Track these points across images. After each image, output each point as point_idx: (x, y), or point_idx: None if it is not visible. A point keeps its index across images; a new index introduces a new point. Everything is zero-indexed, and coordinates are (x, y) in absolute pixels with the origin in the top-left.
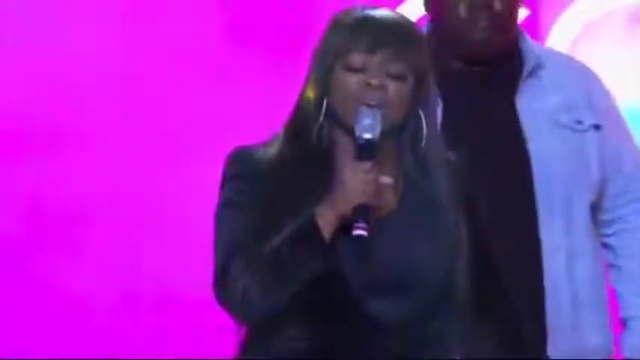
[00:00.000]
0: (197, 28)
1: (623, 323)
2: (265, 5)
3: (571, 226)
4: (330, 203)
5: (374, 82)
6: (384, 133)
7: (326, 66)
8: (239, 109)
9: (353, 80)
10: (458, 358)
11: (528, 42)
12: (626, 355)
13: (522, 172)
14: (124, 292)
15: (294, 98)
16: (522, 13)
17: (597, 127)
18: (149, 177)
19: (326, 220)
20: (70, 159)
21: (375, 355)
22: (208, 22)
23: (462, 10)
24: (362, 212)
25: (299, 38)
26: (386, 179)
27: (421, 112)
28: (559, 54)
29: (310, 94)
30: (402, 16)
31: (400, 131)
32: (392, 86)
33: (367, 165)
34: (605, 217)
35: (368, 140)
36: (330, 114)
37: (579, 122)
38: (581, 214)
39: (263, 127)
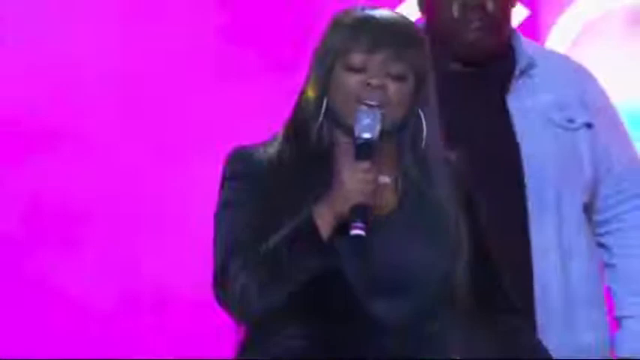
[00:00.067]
0: (197, 28)
1: (618, 322)
2: (265, 5)
3: (563, 225)
4: (328, 202)
5: (374, 82)
6: (384, 134)
7: (326, 66)
8: (239, 109)
9: (353, 80)
10: (458, 358)
11: (522, 41)
12: (620, 354)
13: (513, 171)
14: (123, 292)
15: (294, 98)
16: (522, 13)
17: (589, 125)
18: (149, 177)
19: (324, 220)
20: (70, 159)
21: (375, 354)
22: (208, 22)
23: (455, 11)
24: (360, 212)
25: (299, 38)
26: (385, 179)
27: (421, 112)
28: (553, 53)
29: (310, 94)
30: (402, 16)
31: (400, 131)
32: (392, 86)
33: (366, 164)
34: (599, 217)
35: (367, 140)
36: (330, 114)
37: (571, 120)
38: (574, 212)
39: (263, 127)
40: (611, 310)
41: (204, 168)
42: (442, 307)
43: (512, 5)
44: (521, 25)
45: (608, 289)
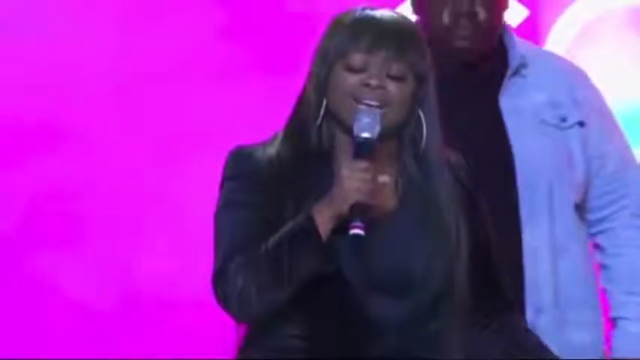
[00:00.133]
0: (197, 28)
1: (613, 323)
2: (266, 5)
3: (555, 223)
4: (327, 202)
5: (373, 82)
6: (384, 134)
7: (326, 66)
8: (239, 109)
9: (353, 80)
10: (458, 358)
11: (514, 41)
12: (616, 354)
13: (505, 170)
14: (123, 292)
15: (294, 98)
16: (522, 13)
17: (582, 123)
18: (149, 177)
19: (323, 219)
20: (70, 159)
21: (375, 354)
22: (208, 22)
23: (446, 18)
24: (359, 211)
25: (299, 38)
26: (384, 178)
27: (421, 113)
28: (546, 52)
29: (310, 93)
30: (403, 17)
31: (400, 131)
32: (392, 86)
33: (364, 164)
34: (591, 216)
35: (366, 139)
36: (330, 114)
37: (564, 119)
38: (566, 211)
39: (263, 127)
40: (607, 310)
41: (204, 168)
42: (442, 307)
43: (505, 8)
44: (521, 25)
45: (603, 290)
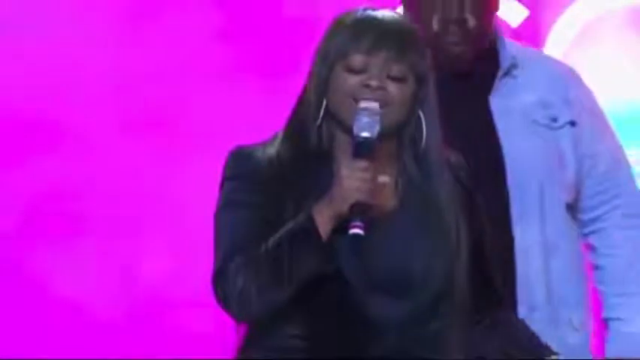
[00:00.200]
0: (197, 28)
1: (605, 324)
2: (264, 7)
3: (546, 223)
4: (327, 202)
5: (374, 83)
6: (384, 134)
7: (327, 66)
8: (239, 110)
9: (353, 81)
10: (458, 358)
11: (505, 42)
12: (608, 355)
13: (497, 171)
14: (123, 292)
15: (294, 98)
16: (522, 13)
17: (573, 123)
18: (149, 176)
19: (323, 219)
20: (70, 158)
21: (375, 354)
22: (208, 22)
23: (435, 24)
24: (359, 211)
25: (299, 39)
26: (384, 178)
27: (421, 113)
28: (537, 53)
29: (310, 94)
30: (403, 18)
31: (400, 132)
32: (392, 87)
33: (363, 163)
34: (583, 216)
35: (365, 139)
36: (330, 114)
37: (555, 119)
38: (557, 211)
39: (263, 127)
40: (597, 310)
41: (204, 168)
42: (442, 307)
43: (494, 11)
44: (521, 25)
45: (595, 290)
